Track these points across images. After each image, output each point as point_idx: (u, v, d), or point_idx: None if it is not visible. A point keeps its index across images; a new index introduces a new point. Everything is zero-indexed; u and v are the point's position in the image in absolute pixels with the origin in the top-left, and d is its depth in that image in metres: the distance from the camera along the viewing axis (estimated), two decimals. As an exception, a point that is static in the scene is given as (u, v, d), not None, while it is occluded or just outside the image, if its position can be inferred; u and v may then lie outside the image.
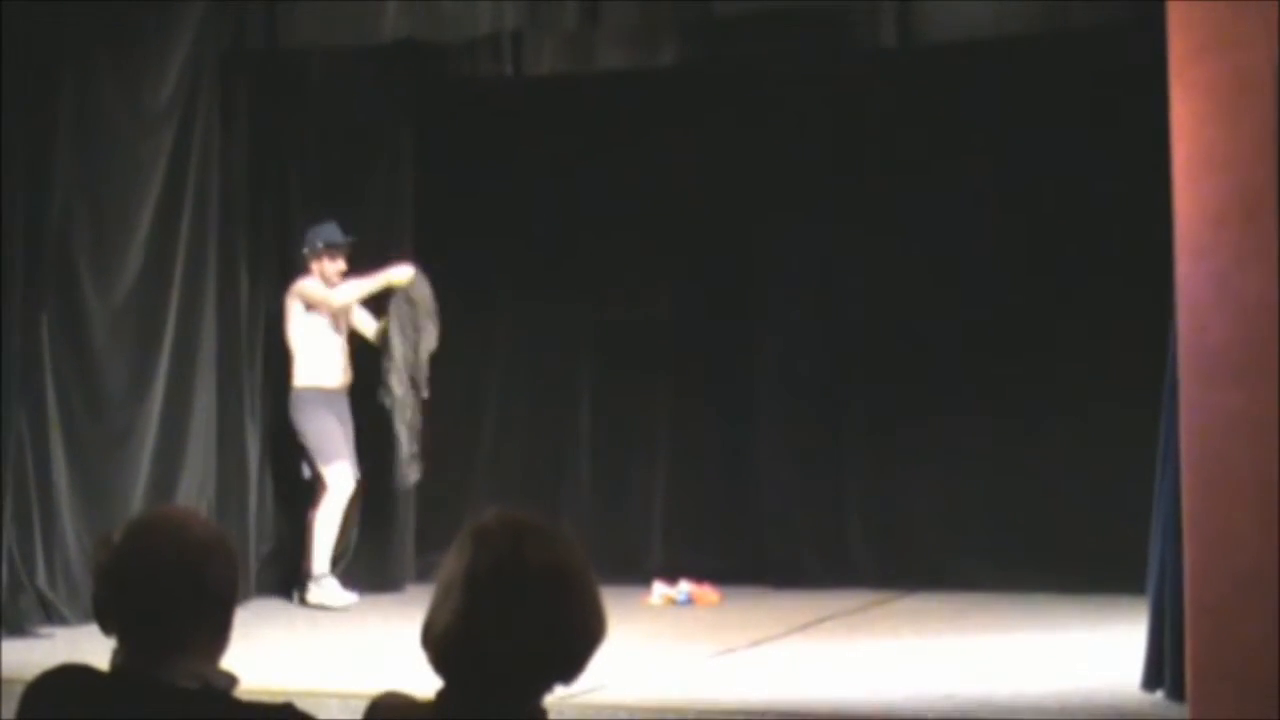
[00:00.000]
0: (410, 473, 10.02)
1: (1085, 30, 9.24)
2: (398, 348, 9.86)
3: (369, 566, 10.27)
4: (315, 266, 9.84)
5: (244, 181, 10.00)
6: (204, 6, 9.49)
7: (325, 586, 9.69)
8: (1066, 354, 9.93)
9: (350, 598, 9.69)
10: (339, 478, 9.80)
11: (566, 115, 10.88)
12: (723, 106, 10.66)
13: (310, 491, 9.93)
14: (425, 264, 10.79)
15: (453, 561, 2.69)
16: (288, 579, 10.00)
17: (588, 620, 2.69)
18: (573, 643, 2.68)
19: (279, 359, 10.00)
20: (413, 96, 10.89)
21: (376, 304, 10.06)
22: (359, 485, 9.94)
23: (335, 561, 9.94)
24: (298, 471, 9.96)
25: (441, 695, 2.69)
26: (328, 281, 9.85)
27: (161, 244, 9.31)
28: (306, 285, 9.82)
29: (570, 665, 2.69)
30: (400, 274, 9.92)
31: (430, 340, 9.96)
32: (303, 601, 9.73)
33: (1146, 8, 7.16)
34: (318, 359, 9.83)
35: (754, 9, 8.78)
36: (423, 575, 10.49)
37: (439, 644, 2.67)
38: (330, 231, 9.86)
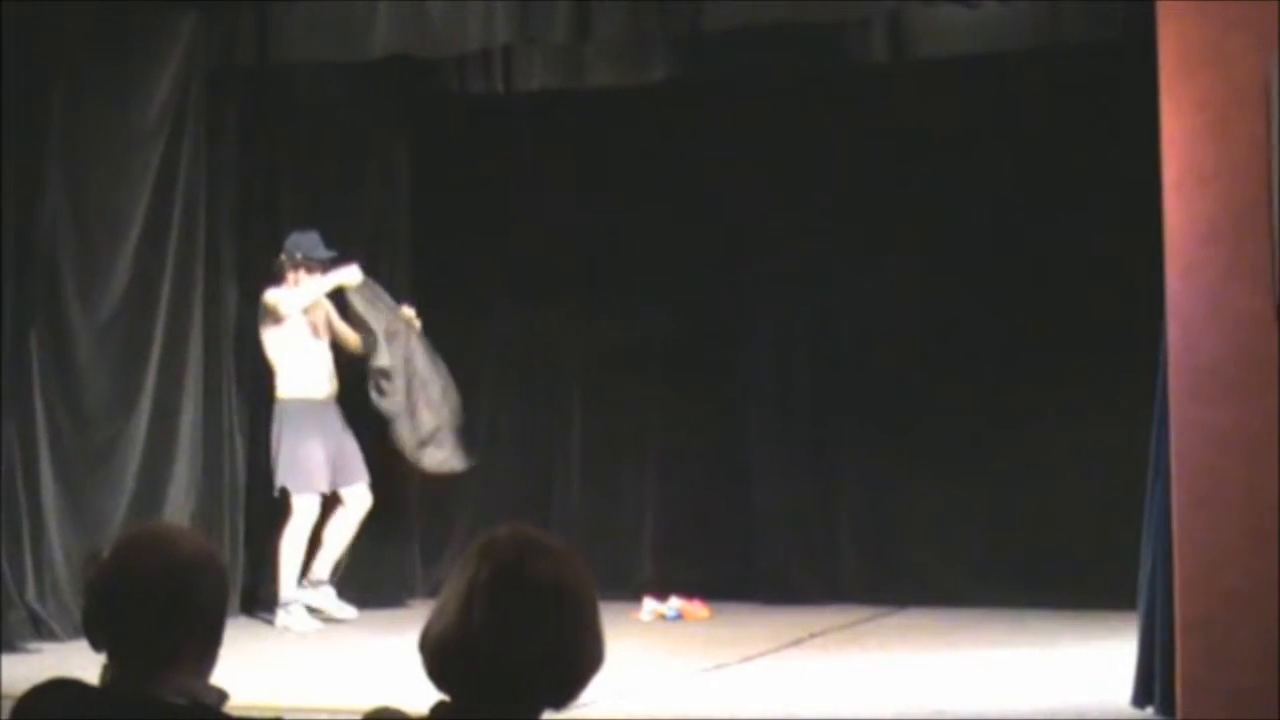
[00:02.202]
0: (423, 456, 9.87)
1: (1076, 46, 9.27)
2: (378, 343, 9.72)
3: (370, 581, 10.24)
4: (291, 276, 9.63)
5: (233, 197, 10.00)
6: (193, 22, 9.49)
7: (292, 613, 9.48)
8: (1057, 369, 9.92)
9: (314, 624, 9.51)
10: (305, 503, 9.60)
11: (557, 130, 10.90)
12: (712, 121, 10.66)
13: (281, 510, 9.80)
14: (416, 278, 10.83)
15: (459, 571, 2.68)
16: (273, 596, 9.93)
17: (584, 643, 2.66)
18: (567, 663, 2.64)
19: (264, 374, 9.94)
20: (403, 112, 10.90)
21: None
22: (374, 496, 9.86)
23: (333, 573, 9.90)
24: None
25: (435, 711, 2.66)
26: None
27: (149, 260, 9.31)
28: (267, 295, 9.65)
29: (563, 687, 2.65)
30: (349, 276, 9.72)
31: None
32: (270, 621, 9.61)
33: (1138, 23, 7.19)
34: (301, 370, 9.67)
35: (744, 24, 8.78)
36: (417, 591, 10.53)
37: (433, 649, 2.65)
38: (312, 244, 9.66)
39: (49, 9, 8.66)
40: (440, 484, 10.54)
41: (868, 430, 10.48)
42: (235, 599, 9.48)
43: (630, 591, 10.08)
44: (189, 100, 9.53)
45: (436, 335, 10.75)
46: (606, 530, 10.82)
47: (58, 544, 8.74)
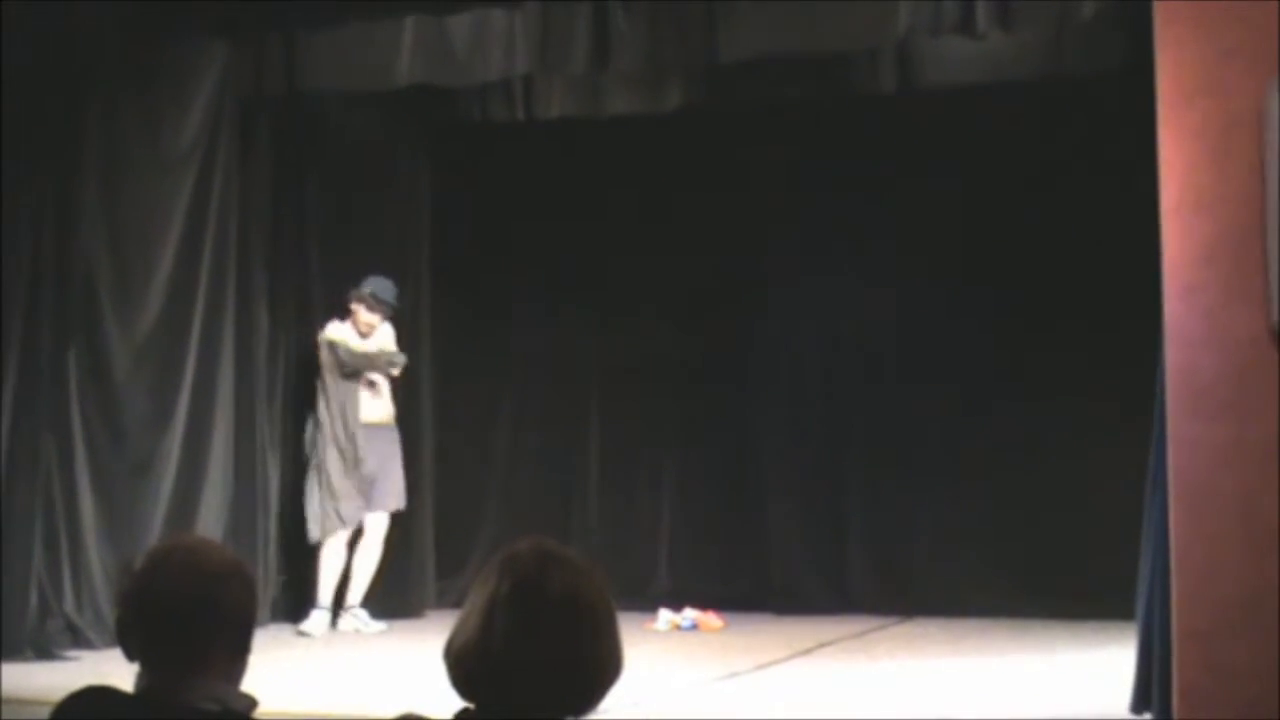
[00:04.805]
0: (313, 529, 10.00)
1: (1079, 76, 9.37)
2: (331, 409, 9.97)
3: (389, 593, 10.36)
4: (355, 307, 9.98)
5: (263, 222, 10.17)
6: (225, 52, 9.63)
7: (313, 618, 9.95)
8: (1059, 387, 10.01)
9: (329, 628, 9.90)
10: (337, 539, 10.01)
11: (575, 157, 11.04)
12: (726, 149, 10.78)
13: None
14: (439, 300, 10.98)
15: (481, 583, 2.74)
16: (305, 606, 10.13)
17: (602, 655, 2.71)
18: (586, 673, 2.70)
19: (301, 392, 10.16)
20: (427, 139, 11.04)
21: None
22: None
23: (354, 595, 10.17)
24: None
25: (458, 717, 2.72)
26: (358, 326, 10.00)
27: (182, 282, 9.47)
28: (331, 333, 9.99)
29: (582, 695, 2.71)
30: (394, 366, 10.10)
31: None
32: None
33: (1138, 55, 7.31)
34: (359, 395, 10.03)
35: (757, 55, 8.89)
36: (435, 602, 10.65)
37: (457, 659, 2.71)
38: (384, 288, 10.02)
39: (86, 40, 8.83)
40: (460, 499, 10.79)
41: (877, 446, 10.59)
42: (265, 608, 9.67)
43: (646, 602, 10.18)
44: (221, 128, 9.69)
45: (458, 354, 10.92)
46: (623, 543, 10.92)
47: (95, 556, 8.83)
